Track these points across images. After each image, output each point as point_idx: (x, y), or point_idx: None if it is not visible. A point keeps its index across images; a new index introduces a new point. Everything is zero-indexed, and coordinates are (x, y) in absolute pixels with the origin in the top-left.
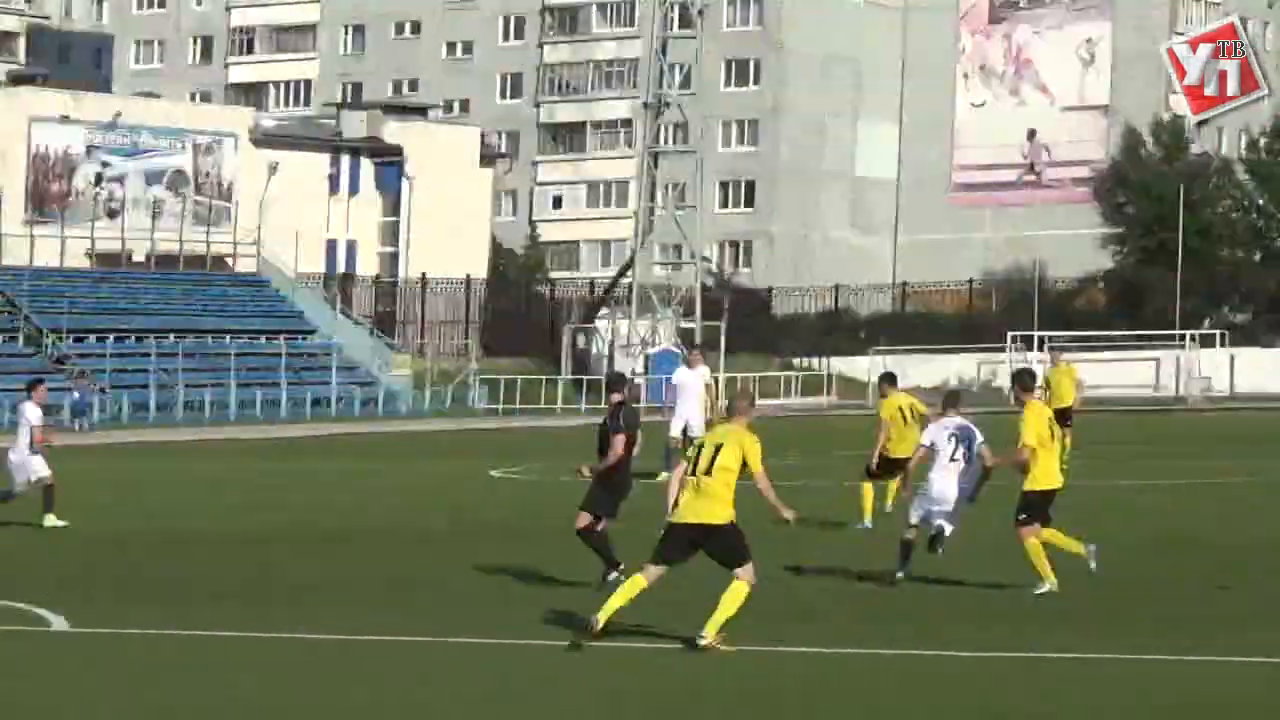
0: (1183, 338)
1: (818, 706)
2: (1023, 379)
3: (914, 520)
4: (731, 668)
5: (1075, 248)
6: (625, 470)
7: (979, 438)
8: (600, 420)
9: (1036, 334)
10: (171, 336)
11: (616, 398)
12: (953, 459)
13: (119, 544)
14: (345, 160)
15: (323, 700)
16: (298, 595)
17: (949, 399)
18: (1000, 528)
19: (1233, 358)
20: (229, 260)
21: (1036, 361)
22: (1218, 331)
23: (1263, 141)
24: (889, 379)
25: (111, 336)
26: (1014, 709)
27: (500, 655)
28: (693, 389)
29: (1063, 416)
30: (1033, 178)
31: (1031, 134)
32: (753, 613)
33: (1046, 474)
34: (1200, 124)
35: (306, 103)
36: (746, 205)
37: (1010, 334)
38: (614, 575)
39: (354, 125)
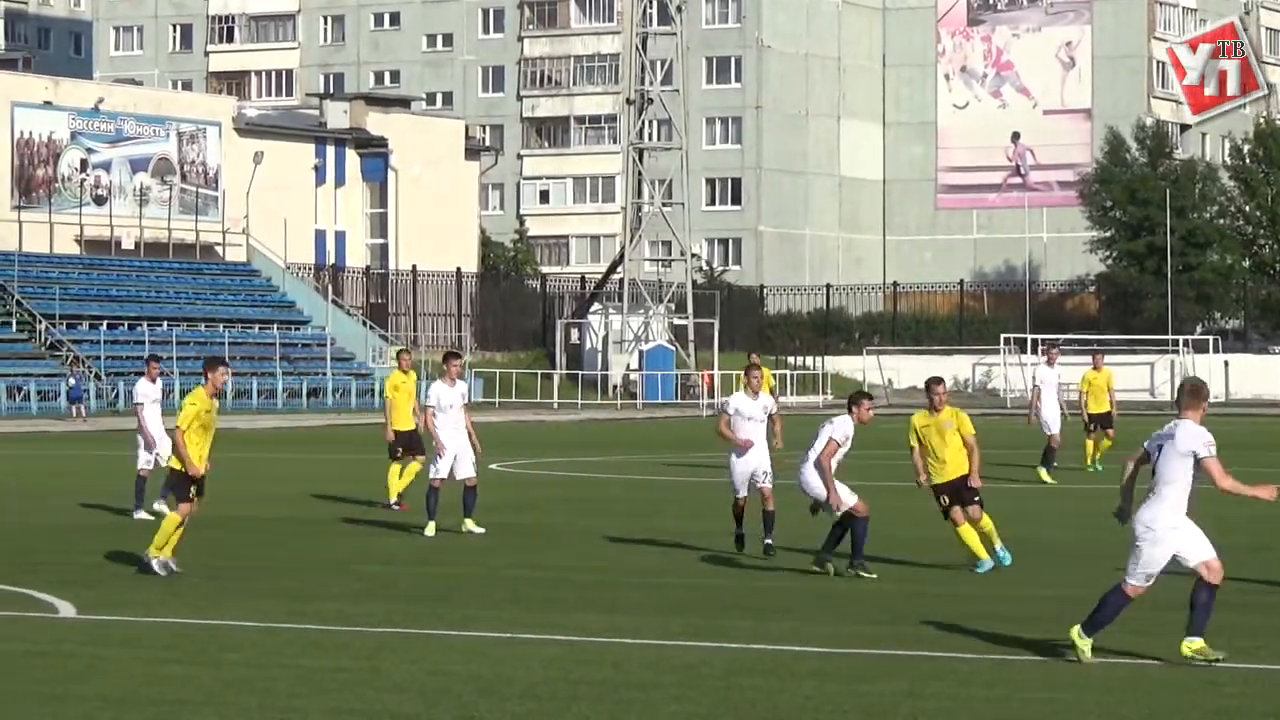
0: (1176, 342)
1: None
2: None
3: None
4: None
5: (1062, 251)
6: None
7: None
8: None
9: (1030, 337)
10: (165, 324)
11: None
12: None
13: (121, 531)
14: (330, 151)
15: (321, 684)
16: (298, 584)
17: None
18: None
19: (1227, 363)
20: (218, 249)
21: (1039, 364)
22: (1211, 337)
23: (1246, 148)
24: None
25: (104, 323)
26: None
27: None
28: (1053, 385)
29: (1104, 420)
30: (1018, 180)
31: (1015, 136)
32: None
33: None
34: (1184, 129)
35: (289, 92)
36: (733, 203)
37: (1004, 336)
38: None
39: (337, 116)
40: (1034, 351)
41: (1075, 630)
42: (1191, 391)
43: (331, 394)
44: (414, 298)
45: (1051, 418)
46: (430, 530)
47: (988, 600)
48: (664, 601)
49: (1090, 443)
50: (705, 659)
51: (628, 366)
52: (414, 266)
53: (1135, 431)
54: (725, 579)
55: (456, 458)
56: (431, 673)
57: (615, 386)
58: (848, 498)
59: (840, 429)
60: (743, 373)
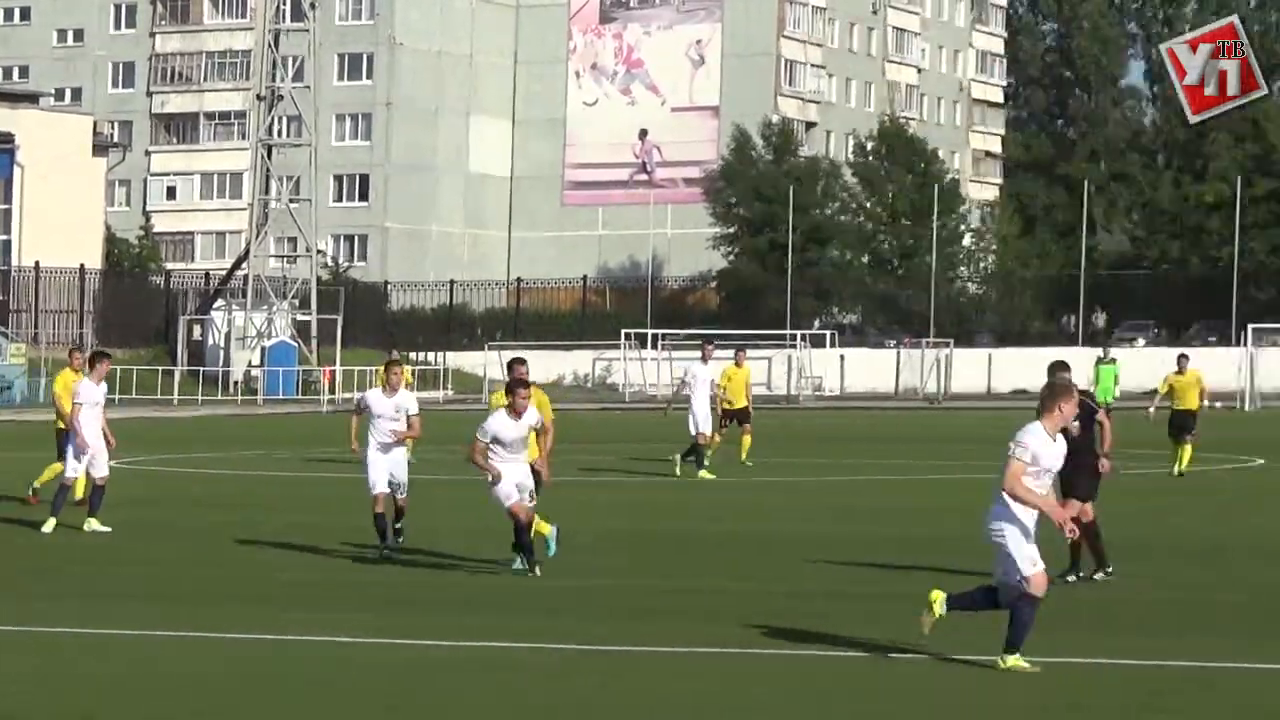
0: (794, 337)
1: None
2: None
3: None
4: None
5: (687, 247)
6: None
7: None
8: None
9: (650, 332)
10: None
11: None
12: None
13: None
14: None
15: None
16: None
17: None
18: None
19: (843, 357)
20: None
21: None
22: (828, 331)
23: (869, 145)
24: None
25: None
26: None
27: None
28: (706, 382)
29: (741, 416)
30: (644, 177)
31: (643, 133)
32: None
33: None
34: (809, 127)
35: None
36: (361, 199)
37: (624, 331)
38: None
39: None
40: (654, 346)
41: (1005, 658)
42: (1042, 394)
43: None
44: (36, 295)
45: (703, 415)
46: (49, 527)
47: (686, 595)
48: (280, 595)
49: (717, 438)
50: (322, 654)
51: (249, 363)
52: (36, 263)
53: (763, 426)
54: (346, 574)
55: (93, 456)
56: (44, 672)
57: (236, 382)
58: (505, 495)
59: (485, 426)
60: (382, 369)
